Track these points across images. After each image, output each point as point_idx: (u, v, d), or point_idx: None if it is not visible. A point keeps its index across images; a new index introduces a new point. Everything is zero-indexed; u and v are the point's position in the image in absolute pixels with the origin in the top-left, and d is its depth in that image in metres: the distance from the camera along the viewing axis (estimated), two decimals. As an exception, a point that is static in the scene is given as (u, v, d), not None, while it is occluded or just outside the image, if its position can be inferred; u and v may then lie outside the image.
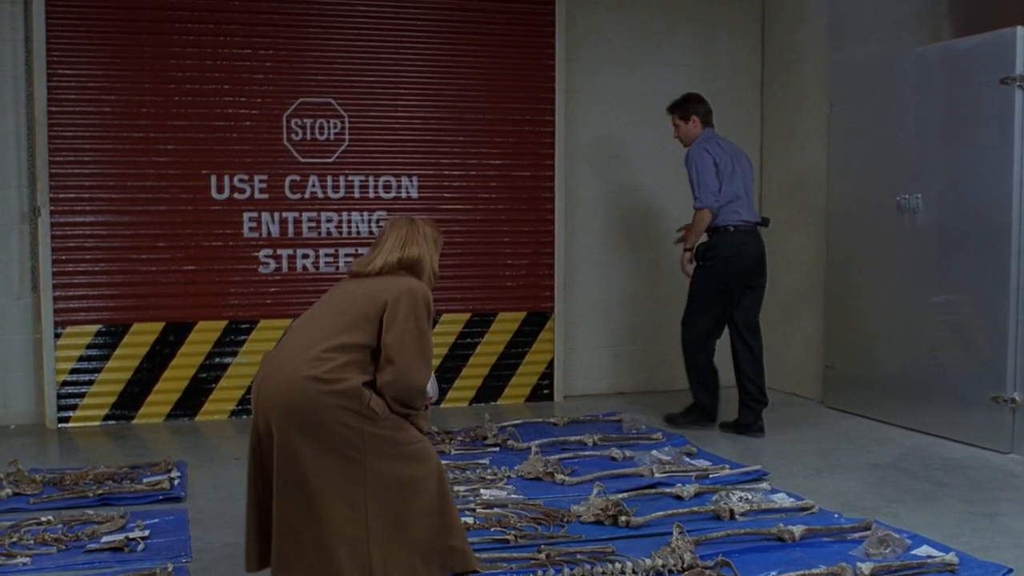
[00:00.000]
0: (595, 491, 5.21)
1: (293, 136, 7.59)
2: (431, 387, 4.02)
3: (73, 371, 7.29)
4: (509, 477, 5.78)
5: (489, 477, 5.75)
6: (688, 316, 7.22)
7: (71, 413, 7.29)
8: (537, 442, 6.47)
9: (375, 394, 3.75)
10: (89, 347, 7.28)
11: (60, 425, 7.26)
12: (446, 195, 7.98)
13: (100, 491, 5.48)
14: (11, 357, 7.28)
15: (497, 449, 6.51)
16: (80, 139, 7.24)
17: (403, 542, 3.78)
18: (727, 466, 6.01)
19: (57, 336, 7.24)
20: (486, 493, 5.43)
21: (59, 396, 7.26)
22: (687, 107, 7.21)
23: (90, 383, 7.29)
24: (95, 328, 7.32)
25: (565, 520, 4.98)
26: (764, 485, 5.60)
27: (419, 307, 3.84)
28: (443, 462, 5.98)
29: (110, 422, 7.36)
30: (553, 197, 8.19)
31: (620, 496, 5.20)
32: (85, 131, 7.24)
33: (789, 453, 6.55)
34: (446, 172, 7.98)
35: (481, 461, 6.12)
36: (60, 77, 7.17)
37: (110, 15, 7.25)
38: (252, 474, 3.86)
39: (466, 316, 8.06)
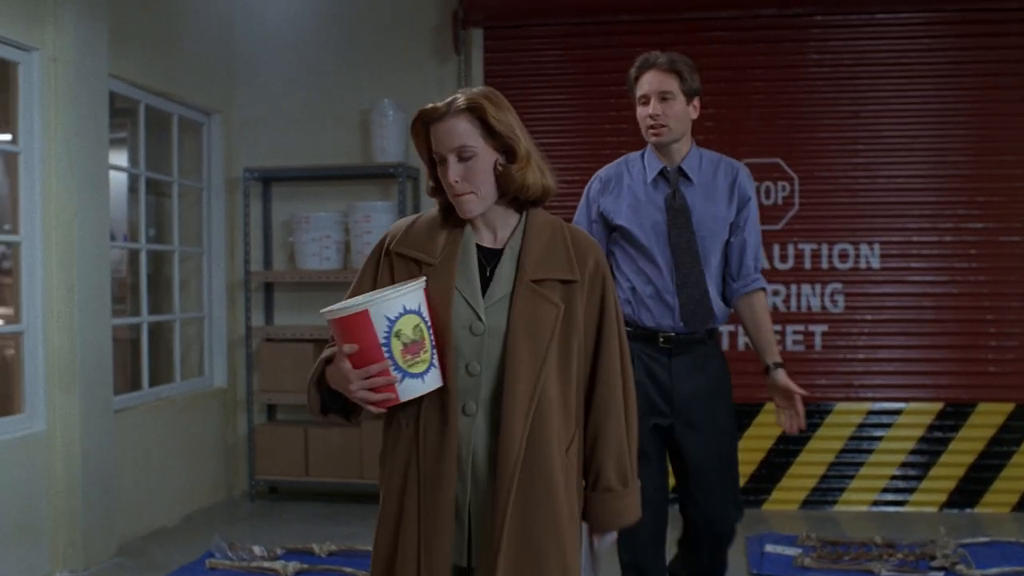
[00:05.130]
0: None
1: (735, 201, 6.90)
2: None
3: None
4: (934, 616, 4.67)
5: (909, 613, 4.68)
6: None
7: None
8: (994, 570, 5.23)
9: None
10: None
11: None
12: (914, 265, 6.88)
13: None
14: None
15: (942, 574, 5.35)
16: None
17: None
18: None
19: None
20: (891, 636, 4.39)
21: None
22: (695, 77, 3.96)
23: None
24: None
25: None
26: None
27: None
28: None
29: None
30: (1052, 266, 6.79)
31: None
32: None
33: None
34: (914, 239, 6.89)
35: (912, 589, 5.04)
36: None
37: (541, 84, 7.18)
38: None
39: (938, 407, 6.83)
